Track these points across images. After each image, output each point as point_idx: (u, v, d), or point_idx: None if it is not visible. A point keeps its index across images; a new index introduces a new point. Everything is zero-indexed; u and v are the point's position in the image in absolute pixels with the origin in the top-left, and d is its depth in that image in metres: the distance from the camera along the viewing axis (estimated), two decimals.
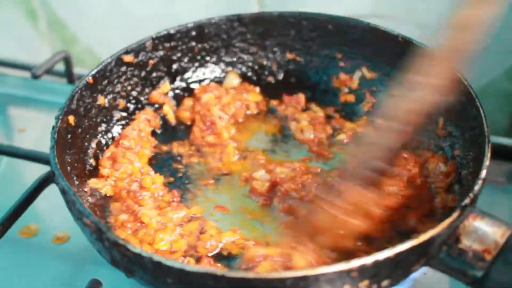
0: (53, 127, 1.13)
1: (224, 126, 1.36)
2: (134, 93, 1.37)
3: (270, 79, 1.46)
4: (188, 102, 1.42)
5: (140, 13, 1.89)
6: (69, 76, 1.74)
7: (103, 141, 1.30)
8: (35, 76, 1.62)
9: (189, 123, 1.40)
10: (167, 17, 1.85)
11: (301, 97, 1.42)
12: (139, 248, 0.92)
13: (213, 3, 1.79)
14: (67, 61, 1.71)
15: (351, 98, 1.40)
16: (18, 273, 1.25)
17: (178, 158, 1.32)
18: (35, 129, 1.65)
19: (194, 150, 1.34)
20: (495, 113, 1.69)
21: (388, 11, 1.66)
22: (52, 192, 1.25)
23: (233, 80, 1.45)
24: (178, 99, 1.43)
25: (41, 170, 1.35)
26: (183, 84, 1.44)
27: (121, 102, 1.35)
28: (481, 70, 1.65)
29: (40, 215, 1.36)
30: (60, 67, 1.74)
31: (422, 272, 1.16)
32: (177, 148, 1.34)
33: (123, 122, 1.35)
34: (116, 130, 1.33)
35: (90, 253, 1.07)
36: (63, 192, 1.03)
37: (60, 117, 1.16)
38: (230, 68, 1.46)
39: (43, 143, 1.19)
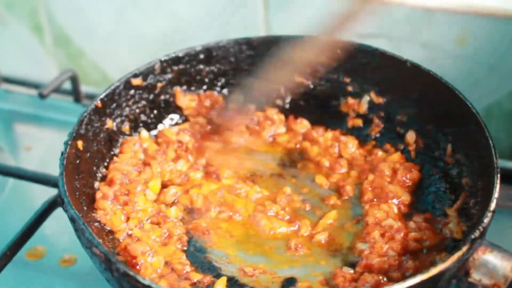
0: (62, 153, 1.13)
1: None
2: (142, 116, 1.37)
3: (278, 102, 1.46)
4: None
5: (146, 30, 1.90)
6: (76, 94, 1.74)
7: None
8: (42, 96, 1.62)
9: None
10: (173, 34, 1.86)
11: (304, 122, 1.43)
12: (148, 279, 0.92)
13: (219, 22, 1.79)
14: (74, 79, 1.71)
15: (358, 122, 1.40)
16: None
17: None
18: (42, 148, 1.65)
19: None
20: (499, 134, 1.69)
21: (394, 31, 1.66)
22: (59, 214, 1.24)
23: None
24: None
25: (48, 191, 1.36)
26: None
27: (129, 126, 1.35)
28: (485, 91, 1.65)
29: (48, 237, 1.36)
30: (67, 85, 1.74)
31: None
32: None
33: None
34: None
35: (97, 277, 1.07)
36: (72, 220, 1.03)
37: (69, 142, 1.16)
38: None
39: (50, 163, 1.19)
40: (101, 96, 1.28)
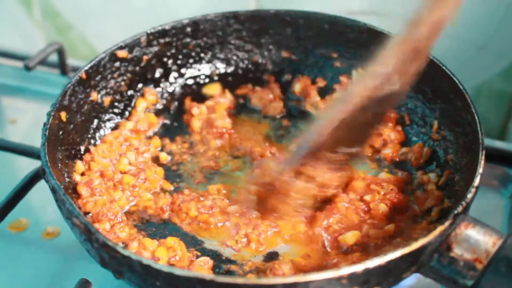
0: (45, 124, 1.12)
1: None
2: (127, 89, 1.36)
3: (265, 77, 1.45)
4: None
5: (136, 3, 1.87)
6: (62, 67, 1.72)
7: (96, 137, 1.29)
8: (28, 68, 1.59)
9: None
10: (162, 8, 1.84)
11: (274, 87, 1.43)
12: (128, 251, 0.92)
13: None
14: (61, 52, 1.69)
15: None
16: (6, 268, 1.24)
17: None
18: (27, 120, 1.63)
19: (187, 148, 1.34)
20: (488, 114, 1.68)
21: (385, 8, 1.64)
22: (43, 185, 1.23)
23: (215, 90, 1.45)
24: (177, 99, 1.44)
25: (32, 163, 1.34)
26: (179, 81, 1.43)
27: (114, 98, 1.33)
28: (475, 70, 1.64)
29: (31, 209, 1.35)
30: (54, 57, 1.72)
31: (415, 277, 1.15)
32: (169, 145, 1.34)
33: (115, 117, 1.34)
34: (108, 125, 1.32)
35: (80, 250, 1.05)
36: (53, 190, 1.03)
37: (52, 113, 1.15)
38: (224, 65, 1.46)
39: (35, 135, 1.18)
40: (86, 68, 1.26)
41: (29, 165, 1.34)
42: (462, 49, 1.63)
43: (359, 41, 1.36)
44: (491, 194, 1.38)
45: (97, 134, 1.30)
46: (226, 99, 1.41)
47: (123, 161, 1.25)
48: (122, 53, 1.33)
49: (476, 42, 1.61)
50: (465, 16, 1.57)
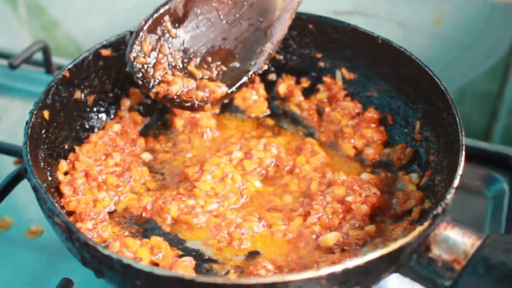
0: (27, 123, 1.12)
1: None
2: (111, 88, 1.36)
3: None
4: None
5: (121, 2, 1.87)
6: (47, 65, 1.71)
7: (81, 136, 1.30)
8: (13, 66, 1.59)
9: None
10: (148, 5, 1.83)
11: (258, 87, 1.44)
12: (108, 250, 0.92)
13: None
14: (46, 50, 1.69)
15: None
16: None
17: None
18: (12, 119, 1.62)
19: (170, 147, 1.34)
20: (473, 115, 1.69)
21: (370, 9, 1.65)
22: (27, 184, 1.22)
23: None
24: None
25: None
26: None
27: (98, 97, 1.33)
28: (460, 71, 1.65)
29: (15, 208, 1.34)
30: (39, 56, 1.72)
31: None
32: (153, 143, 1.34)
33: (99, 116, 1.34)
34: (93, 124, 1.33)
35: (63, 249, 1.05)
36: (35, 189, 1.03)
37: (35, 112, 1.15)
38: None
39: (20, 134, 1.17)
40: (69, 66, 1.26)
41: (13, 163, 1.34)
42: (447, 49, 1.64)
43: (343, 41, 1.36)
44: (475, 195, 1.39)
45: (81, 133, 1.30)
46: None
47: (109, 162, 1.25)
48: (106, 52, 1.32)
49: (462, 42, 1.61)
50: (450, 16, 1.58)
